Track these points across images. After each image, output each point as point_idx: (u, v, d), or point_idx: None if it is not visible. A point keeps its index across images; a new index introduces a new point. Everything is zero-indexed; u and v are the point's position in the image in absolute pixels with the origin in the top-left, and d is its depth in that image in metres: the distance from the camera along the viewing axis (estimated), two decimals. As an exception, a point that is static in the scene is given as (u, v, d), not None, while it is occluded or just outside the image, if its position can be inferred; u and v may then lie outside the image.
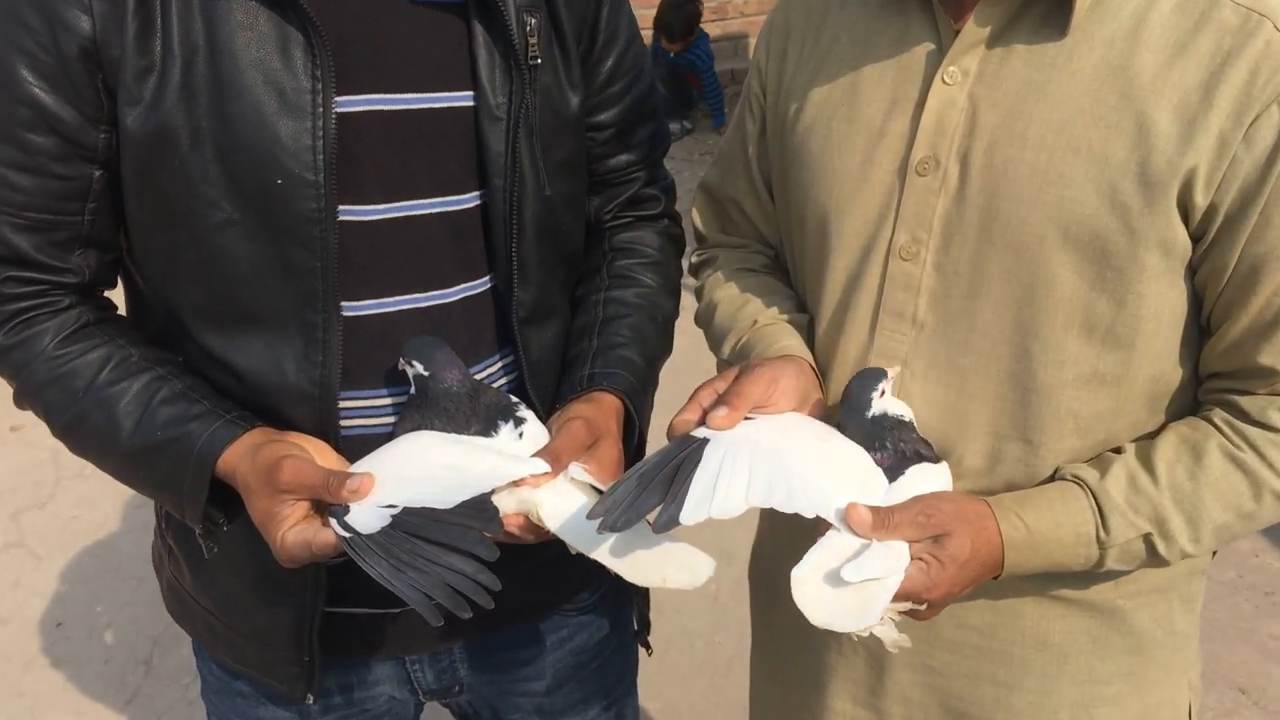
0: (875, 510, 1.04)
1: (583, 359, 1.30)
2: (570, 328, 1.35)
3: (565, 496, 1.11)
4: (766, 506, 1.02)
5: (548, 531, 1.11)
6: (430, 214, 1.20)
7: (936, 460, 1.15)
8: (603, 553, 1.08)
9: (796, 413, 1.14)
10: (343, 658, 1.35)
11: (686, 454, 1.05)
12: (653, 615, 1.58)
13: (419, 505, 1.06)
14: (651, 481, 1.03)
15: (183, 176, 1.10)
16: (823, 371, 1.26)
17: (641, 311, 1.36)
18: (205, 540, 1.22)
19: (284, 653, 1.28)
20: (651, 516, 1.02)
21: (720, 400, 1.10)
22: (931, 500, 1.07)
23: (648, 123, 1.39)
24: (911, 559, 1.04)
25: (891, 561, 1.03)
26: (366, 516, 1.05)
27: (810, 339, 1.30)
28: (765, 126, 1.35)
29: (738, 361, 1.31)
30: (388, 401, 1.22)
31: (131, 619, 3.26)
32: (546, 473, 1.11)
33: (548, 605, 1.42)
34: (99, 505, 3.78)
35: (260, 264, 1.13)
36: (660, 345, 1.38)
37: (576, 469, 1.13)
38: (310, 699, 1.30)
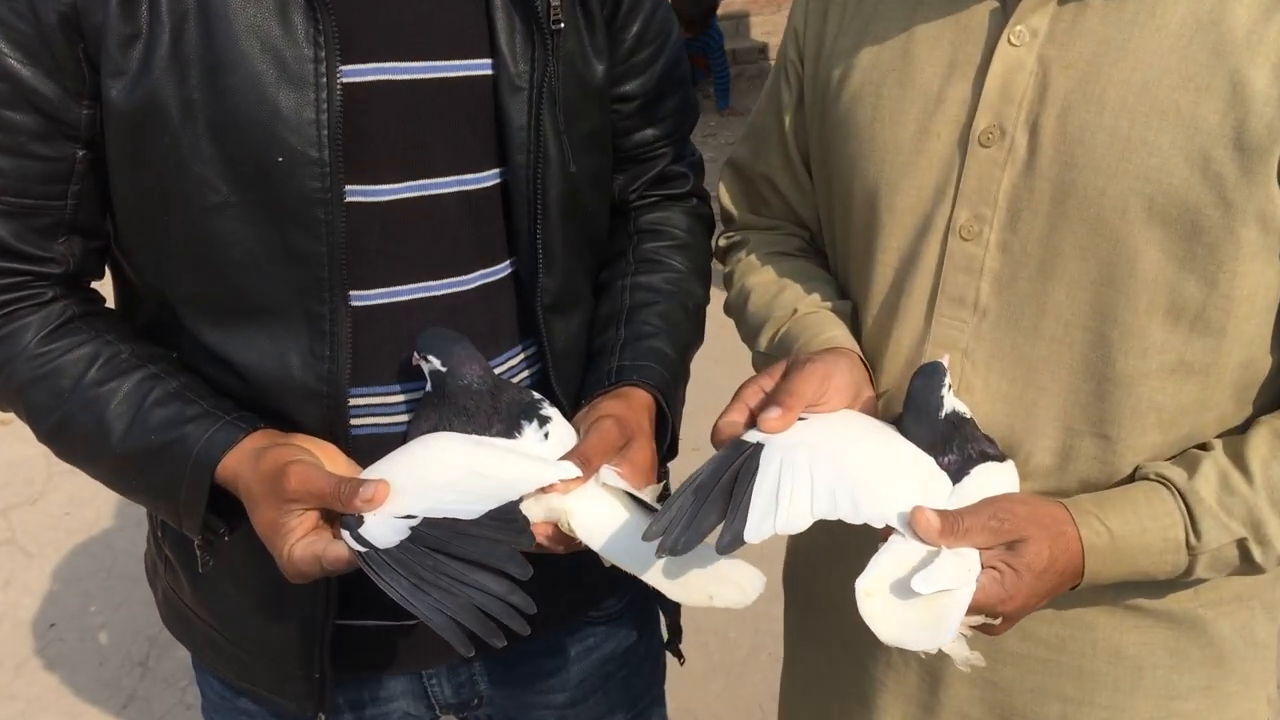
0: (943, 514, 0.95)
1: (609, 350, 1.21)
2: (594, 316, 1.25)
3: (598, 503, 1.02)
4: (833, 518, 0.93)
5: (578, 542, 1.01)
6: (446, 194, 1.10)
7: (1002, 459, 1.05)
8: (641, 568, 0.98)
9: (849, 410, 1.05)
10: (355, 673, 1.26)
11: (742, 462, 0.96)
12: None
13: (440, 515, 0.97)
14: (709, 495, 0.93)
15: (173, 155, 1.01)
16: (871, 364, 1.16)
17: (671, 298, 1.26)
18: (203, 553, 1.12)
19: (292, 669, 1.20)
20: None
21: (771, 400, 1.01)
22: (1004, 503, 0.98)
23: (676, 93, 1.29)
24: (983, 568, 0.95)
25: (963, 571, 0.94)
26: (382, 529, 0.96)
27: (855, 329, 1.20)
28: (803, 97, 1.25)
29: (776, 354, 1.22)
30: (401, 399, 1.12)
31: (127, 619, 3.19)
32: (577, 477, 1.01)
33: (573, 613, 1.32)
34: (91, 502, 3.71)
35: (260, 250, 1.04)
36: (692, 334, 1.28)
37: (608, 472, 1.04)
38: (321, 717, 1.21)
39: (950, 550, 0.94)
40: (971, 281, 1.08)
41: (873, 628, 0.90)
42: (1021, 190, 1.04)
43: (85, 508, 3.69)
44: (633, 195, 1.31)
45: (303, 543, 0.98)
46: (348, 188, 1.04)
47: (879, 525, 0.95)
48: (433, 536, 0.95)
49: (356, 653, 1.22)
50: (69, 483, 3.79)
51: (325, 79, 1.01)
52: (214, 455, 1.04)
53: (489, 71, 1.09)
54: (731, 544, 0.90)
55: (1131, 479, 1.07)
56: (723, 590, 0.97)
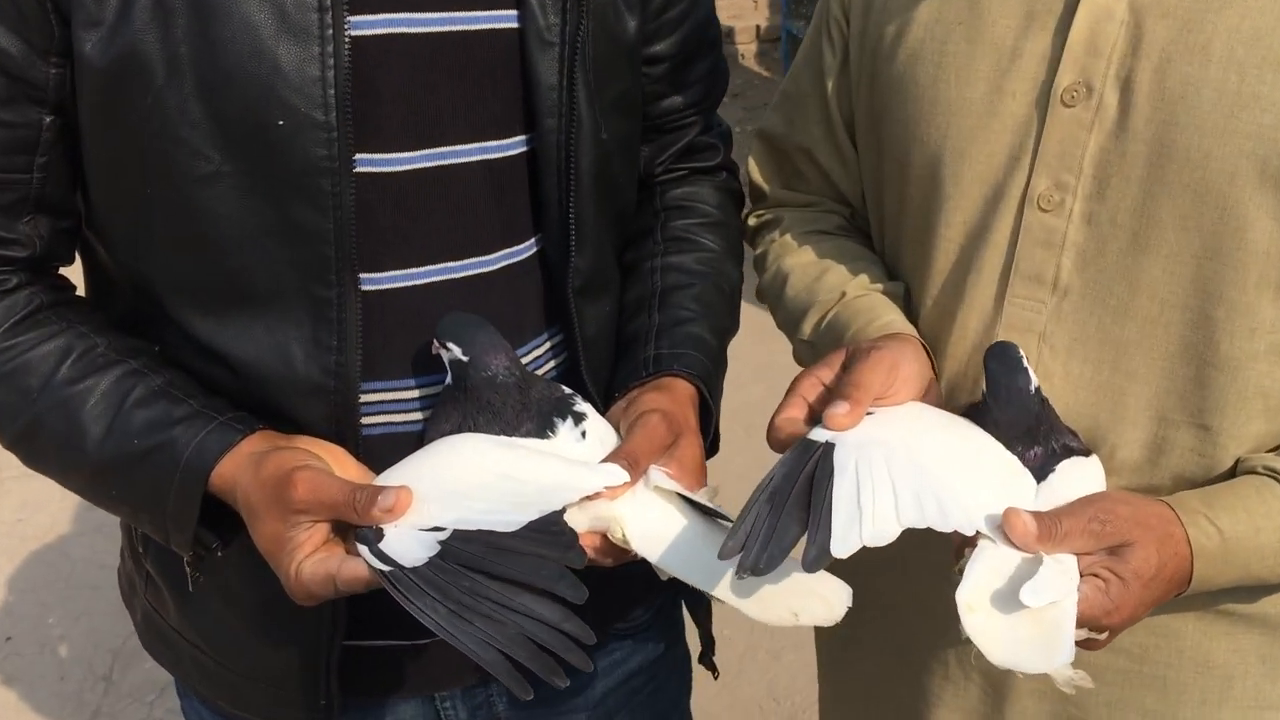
0: (1039, 517, 0.85)
1: (643, 337, 1.09)
2: (622, 300, 1.14)
3: (651, 509, 0.91)
4: (921, 527, 0.83)
5: (630, 553, 0.90)
6: (466, 164, 0.99)
7: (1087, 453, 0.95)
8: (708, 580, 0.87)
9: (917, 403, 0.95)
10: (361, 698, 1.14)
11: (814, 465, 0.85)
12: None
13: (472, 528, 0.85)
14: (785, 504, 0.83)
15: (157, 118, 0.89)
16: (932, 349, 1.05)
17: (706, 280, 1.15)
18: (193, 569, 1.00)
19: (294, 695, 1.08)
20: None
21: (837, 395, 0.91)
22: (1105, 503, 0.88)
23: (707, 56, 1.18)
24: (1082, 576, 0.85)
25: (1066, 580, 0.84)
26: (407, 543, 0.84)
27: (909, 313, 1.10)
28: (848, 57, 1.14)
29: (821, 342, 1.11)
30: (417, 394, 1.01)
31: (88, 631, 3.05)
32: (626, 482, 0.90)
33: (598, 624, 1.20)
34: (46, 507, 3.55)
35: (257, 227, 0.92)
36: (729, 319, 1.17)
37: (658, 474, 0.93)
38: None
39: (1050, 557, 0.84)
40: (1051, 257, 0.98)
41: (982, 647, 0.80)
42: (1111, 154, 0.94)
43: (39, 513, 3.53)
44: (659, 168, 1.20)
45: (313, 560, 0.86)
46: (357, 156, 0.93)
47: (969, 532, 0.85)
48: (466, 552, 0.83)
49: (363, 676, 1.11)
50: (21, 487, 3.63)
51: (331, 31, 0.89)
52: (207, 461, 0.92)
53: (515, 24, 0.98)
54: (818, 560, 0.79)
55: (1232, 473, 0.97)
56: (808, 605, 0.86)
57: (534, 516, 0.86)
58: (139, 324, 1.00)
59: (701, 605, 1.27)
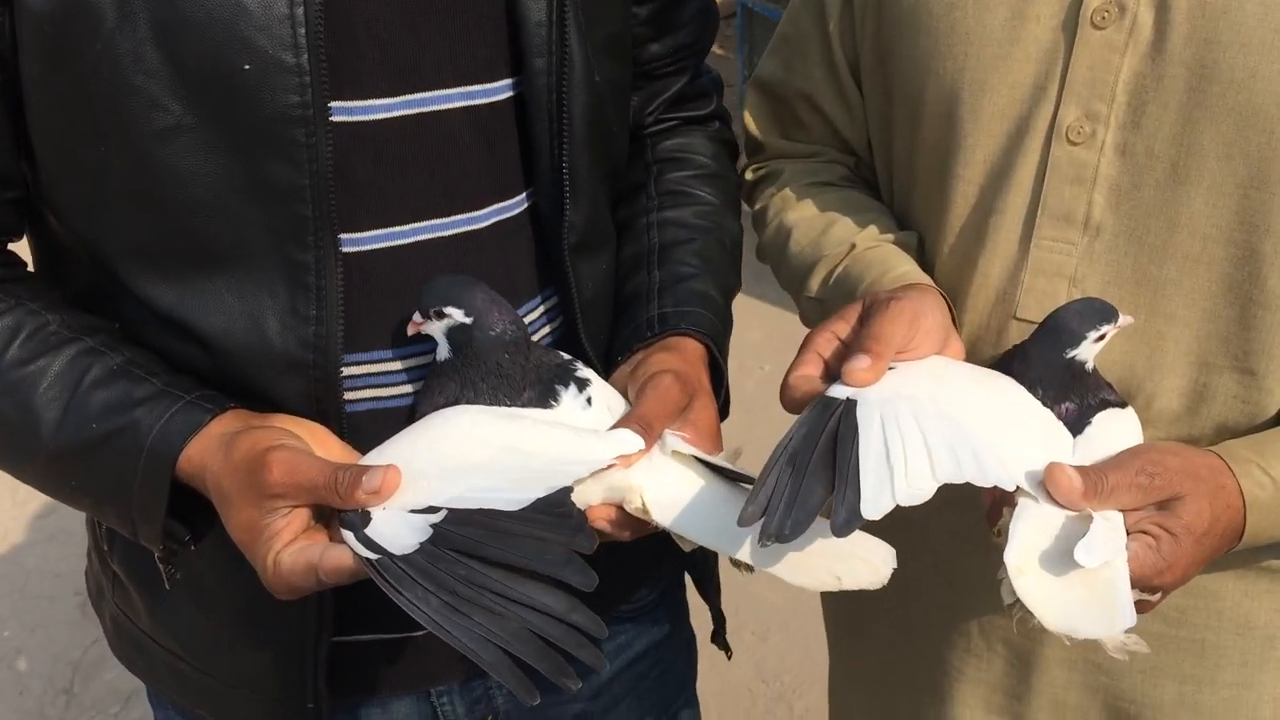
0: (1084, 472, 0.79)
1: (644, 296, 1.02)
2: (618, 259, 1.07)
3: (670, 475, 0.84)
4: (959, 482, 0.76)
5: (649, 524, 0.83)
6: (450, 110, 0.91)
7: (1123, 404, 0.89)
8: (737, 547, 0.80)
9: (940, 357, 0.88)
10: (350, 698, 1.06)
11: (837, 422, 0.79)
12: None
13: (471, 507, 0.77)
14: (808, 465, 0.76)
15: (108, 66, 0.80)
16: (951, 301, 0.99)
17: (706, 234, 1.08)
18: (166, 565, 0.91)
19: (280, 701, 1.00)
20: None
21: (856, 349, 0.84)
22: (1151, 455, 0.82)
23: None
24: (1129, 533, 0.80)
25: (1116, 539, 0.78)
26: (396, 527, 0.76)
27: (923, 264, 1.03)
28: None
29: (831, 298, 1.04)
30: (403, 365, 0.93)
31: (45, 643, 2.93)
32: (642, 449, 0.82)
33: (602, 607, 1.13)
34: (-5, 515, 3.40)
35: (224, 185, 0.83)
36: (733, 276, 1.10)
37: (674, 438, 0.86)
38: None
39: (1098, 514, 0.78)
40: (1081, 194, 0.92)
41: (1036, 613, 0.74)
42: (1147, 79, 0.88)
43: (-11, 522, 3.39)
44: (649, 119, 1.13)
45: (292, 549, 0.79)
46: (332, 104, 0.84)
47: (1009, 488, 0.79)
48: (462, 537, 0.76)
49: (352, 673, 1.03)
50: (-32, 495, 3.49)
51: None
52: (173, 444, 0.84)
53: None
54: (849, 522, 0.73)
55: (1278, 421, 0.92)
56: (851, 569, 0.79)
57: (541, 494, 0.78)
58: (96, 300, 0.91)
59: (711, 582, 1.20)
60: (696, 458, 0.85)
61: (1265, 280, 0.88)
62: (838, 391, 0.82)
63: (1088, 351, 0.86)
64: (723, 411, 1.03)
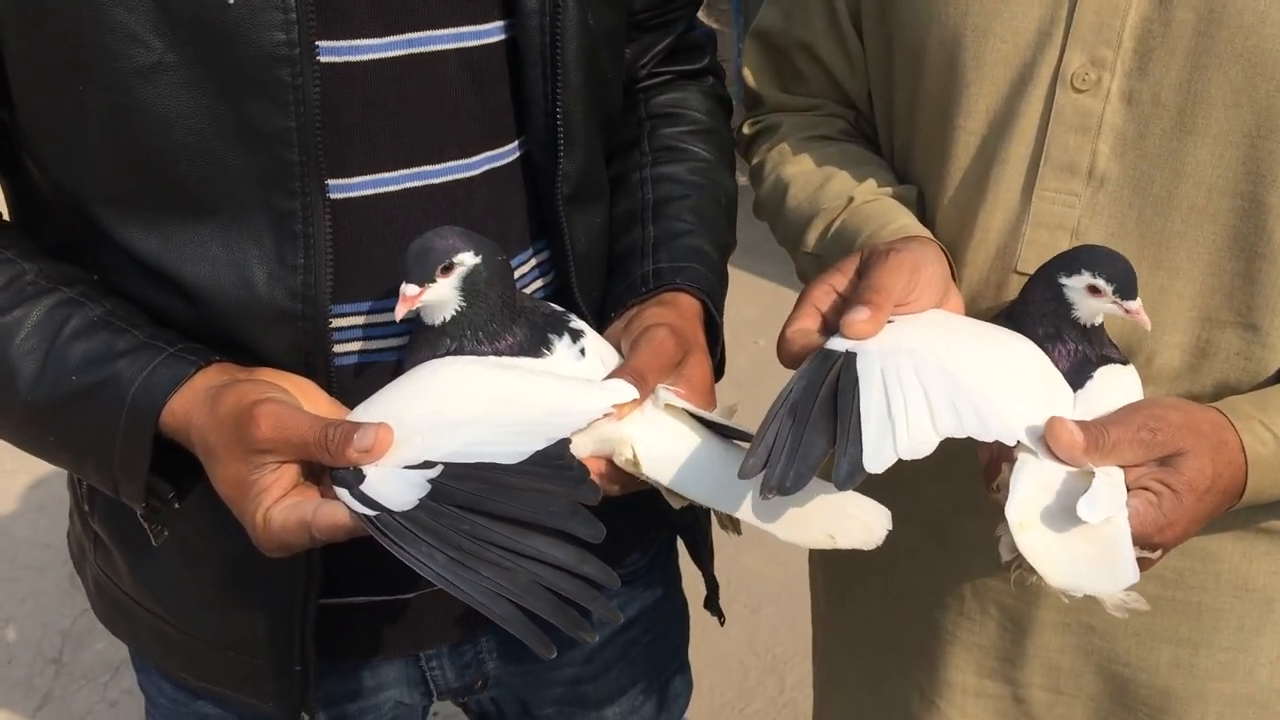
0: (1085, 427, 0.77)
1: (638, 252, 1.00)
2: (611, 215, 1.04)
3: (661, 429, 0.82)
4: (961, 436, 0.75)
5: (638, 479, 0.81)
6: (442, 51, 0.88)
7: (1125, 361, 0.87)
8: (731, 503, 0.78)
9: (939, 310, 0.86)
10: (338, 661, 1.04)
11: (837, 375, 0.77)
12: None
13: (468, 462, 0.75)
14: (809, 417, 0.74)
15: (85, 1, 0.77)
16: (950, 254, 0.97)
17: (701, 190, 1.06)
18: (151, 524, 0.89)
19: (267, 663, 0.98)
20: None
21: (855, 300, 0.82)
22: (1153, 410, 0.80)
23: None
24: (1130, 489, 0.78)
25: (1118, 494, 0.76)
26: (392, 483, 0.74)
27: (923, 218, 1.01)
28: None
29: (829, 253, 1.02)
30: (391, 317, 0.90)
31: (35, 613, 2.92)
32: (635, 399, 0.81)
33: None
34: (-16, 484, 3.38)
35: (208, 127, 0.81)
36: (728, 233, 1.08)
37: (667, 393, 0.84)
38: (306, 718, 0.99)
39: (1099, 470, 0.76)
40: (1086, 143, 0.90)
41: (1039, 569, 0.73)
42: (1154, 24, 0.86)
43: (-22, 492, 3.37)
44: (642, 71, 1.10)
45: (283, 505, 0.76)
46: (320, 44, 0.82)
47: (1011, 442, 0.77)
48: (462, 492, 0.73)
49: (340, 637, 1.01)
50: (-44, 464, 3.47)
51: None
52: (156, 398, 0.81)
53: None
54: (851, 475, 0.71)
55: (1279, 379, 0.90)
56: (846, 528, 0.77)
57: (538, 446, 0.76)
58: (74, 250, 0.89)
59: (704, 548, 1.18)
60: (689, 412, 0.83)
61: (1271, 233, 0.86)
62: (836, 344, 0.81)
63: (1077, 294, 0.84)
64: (718, 370, 1.01)
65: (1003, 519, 0.75)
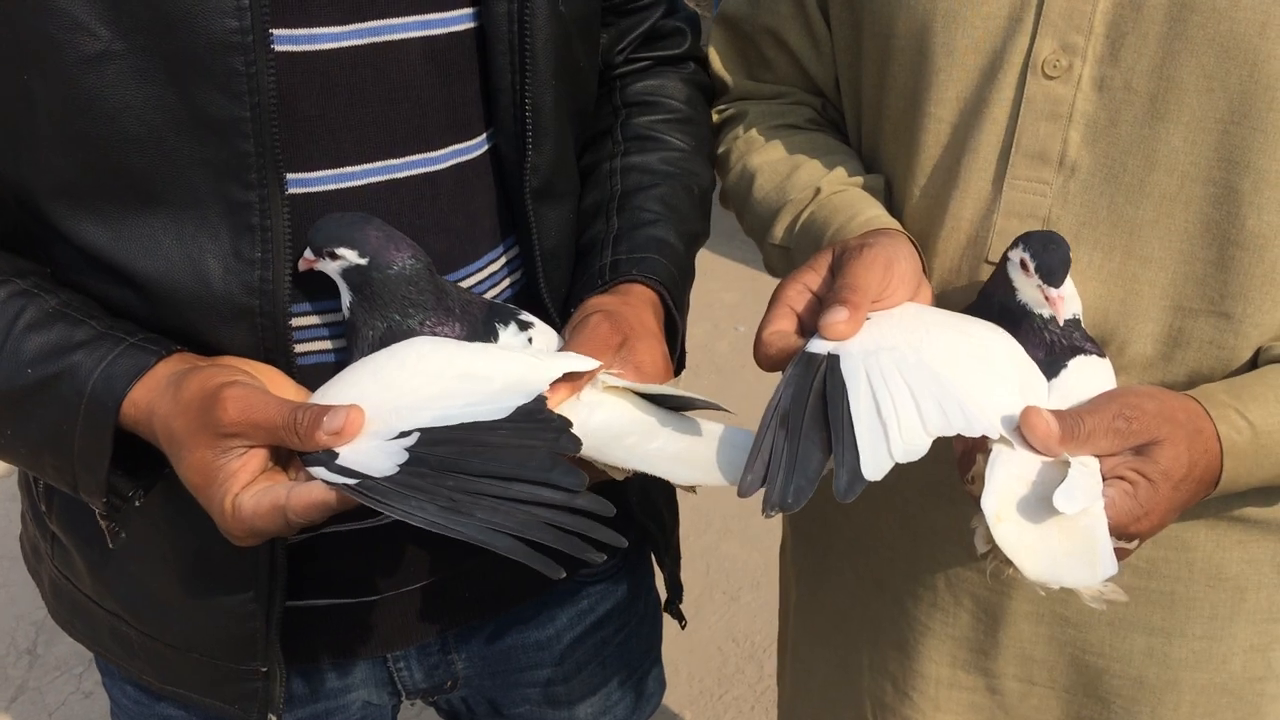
0: (1061, 417, 0.76)
1: (600, 245, 0.98)
2: (580, 207, 1.02)
3: (603, 409, 0.80)
4: (949, 435, 0.74)
5: (591, 469, 0.80)
6: (405, 40, 0.86)
7: (1101, 353, 0.86)
8: (678, 471, 0.77)
9: (912, 304, 0.85)
10: (305, 663, 1.02)
11: (823, 380, 0.76)
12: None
13: (445, 425, 0.74)
14: (801, 427, 0.74)
15: None
16: (920, 246, 0.95)
17: (672, 180, 1.03)
18: (110, 523, 0.87)
19: (231, 664, 0.96)
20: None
21: (832, 300, 0.81)
22: (1128, 399, 0.79)
23: None
24: (1105, 479, 0.77)
25: (1094, 485, 0.75)
26: (370, 454, 0.73)
27: (892, 208, 1.00)
28: None
29: (797, 245, 1.01)
30: None
31: (7, 603, 2.89)
32: (593, 370, 0.80)
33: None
34: (-42, 477, 3.34)
35: (159, 117, 0.78)
36: (698, 222, 1.06)
37: (606, 375, 0.82)
38: (271, 719, 0.97)
39: (1076, 460, 0.76)
40: (1057, 131, 0.88)
41: (1016, 561, 0.72)
42: (1125, 9, 0.84)
43: (-49, 484, 3.34)
44: (619, 58, 1.07)
45: (253, 491, 0.75)
46: (275, 32, 0.79)
47: (995, 437, 0.76)
48: (442, 456, 0.72)
49: (306, 639, 0.99)
50: (-70, 457, 3.42)
51: None
52: (116, 389, 0.79)
53: None
54: (852, 486, 0.71)
55: (1252, 367, 0.89)
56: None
57: (507, 413, 0.75)
58: (24, 244, 0.86)
59: (669, 550, 1.16)
60: (635, 391, 0.82)
61: (1244, 220, 0.85)
62: (817, 346, 0.80)
63: (1017, 277, 0.84)
64: (679, 363, 0.99)
65: (978, 510, 0.74)
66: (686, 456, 0.78)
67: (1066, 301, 0.84)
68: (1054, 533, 0.72)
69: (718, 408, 0.81)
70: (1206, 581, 0.99)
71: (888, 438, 0.72)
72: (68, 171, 0.80)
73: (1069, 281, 0.84)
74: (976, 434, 0.74)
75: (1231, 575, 0.99)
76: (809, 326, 0.83)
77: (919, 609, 1.10)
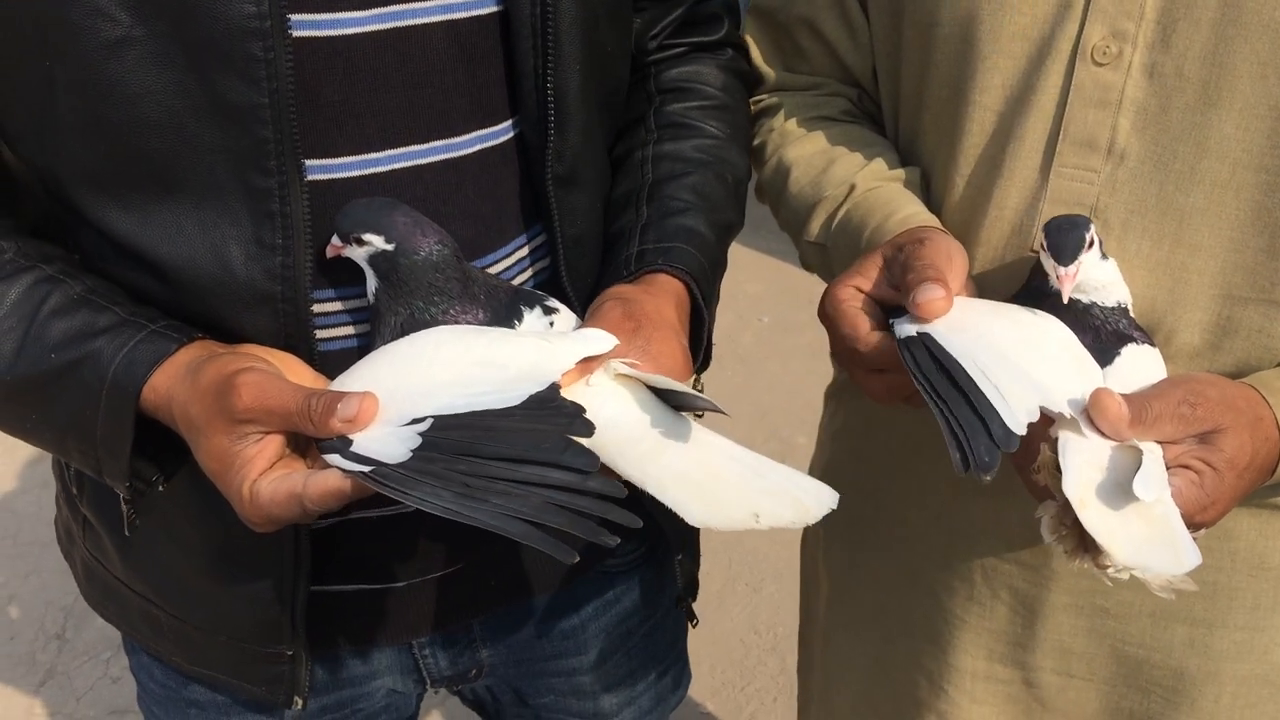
0: (1130, 400, 0.76)
1: (628, 234, 0.96)
2: (609, 197, 1.01)
3: (610, 401, 0.78)
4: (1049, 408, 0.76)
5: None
6: (428, 24, 0.84)
7: (1151, 342, 0.85)
8: (660, 482, 0.75)
9: (962, 297, 0.84)
10: (330, 648, 1.02)
11: (931, 356, 0.77)
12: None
13: (457, 413, 0.74)
14: (954, 394, 0.75)
15: None
16: (963, 241, 0.93)
17: (705, 169, 1.01)
18: (130, 509, 0.87)
19: (258, 647, 0.96)
20: None
21: (921, 279, 0.80)
22: (1192, 385, 0.79)
23: None
24: (1170, 468, 0.76)
25: (1163, 472, 0.75)
26: (383, 440, 0.72)
27: (932, 202, 0.98)
28: None
29: (834, 242, 1.00)
30: None
31: (38, 589, 2.91)
32: (612, 348, 0.79)
33: (587, 561, 1.09)
34: (-12, 463, 3.37)
35: (179, 103, 0.78)
36: (732, 213, 1.03)
37: (617, 363, 0.80)
38: (298, 703, 0.97)
39: (1146, 446, 0.75)
40: (1106, 118, 0.87)
41: (1108, 548, 0.71)
42: None
43: (-20, 469, 3.36)
44: (653, 44, 1.05)
45: (271, 478, 0.74)
46: (295, 17, 0.78)
47: (1069, 415, 0.76)
48: (453, 440, 0.72)
49: (332, 624, 0.99)
50: (-40, 442, 3.45)
51: None
52: (137, 374, 0.79)
53: None
54: (1009, 439, 0.71)
55: None
56: (773, 506, 0.74)
57: (521, 400, 0.75)
58: (51, 230, 0.86)
59: (686, 548, 1.15)
60: (644, 382, 0.80)
61: None
62: (904, 330, 0.80)
63: (1043, 258, 0.83)
64: (705, 358, 0.98)
65: (1047, 500, 0.75)
66: (675, 473, 0.75)
67: (1110, 289, 0.83)
68: (1133, 520, 0.72)
69: (719, 410, 0.79)
70: (1249, 571, 0.98)
71: (1007, 404, 0.72)
72: (90, 158, 0.80)
73: (1110, 266, 0.83)
74: (1057, 412, 0.74)
75: (1275, 565, 0.97)
76: (880, 322, 0.85)
77: (954, 602, 1.09)
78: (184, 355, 0.79)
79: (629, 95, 1.04)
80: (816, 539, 1.29)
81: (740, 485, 0.75)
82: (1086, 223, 0.81)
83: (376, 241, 0.81)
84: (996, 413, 0.72)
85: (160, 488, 0.86)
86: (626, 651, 1.16)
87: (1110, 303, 0.84)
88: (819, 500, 0.75)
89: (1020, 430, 0.71)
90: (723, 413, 0.78)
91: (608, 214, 1.00)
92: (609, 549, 1.09)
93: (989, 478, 0.70)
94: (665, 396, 0.80)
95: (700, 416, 0.89)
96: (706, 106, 1.05)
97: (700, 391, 0.81)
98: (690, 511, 0.73)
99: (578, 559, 0.67)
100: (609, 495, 0.69)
